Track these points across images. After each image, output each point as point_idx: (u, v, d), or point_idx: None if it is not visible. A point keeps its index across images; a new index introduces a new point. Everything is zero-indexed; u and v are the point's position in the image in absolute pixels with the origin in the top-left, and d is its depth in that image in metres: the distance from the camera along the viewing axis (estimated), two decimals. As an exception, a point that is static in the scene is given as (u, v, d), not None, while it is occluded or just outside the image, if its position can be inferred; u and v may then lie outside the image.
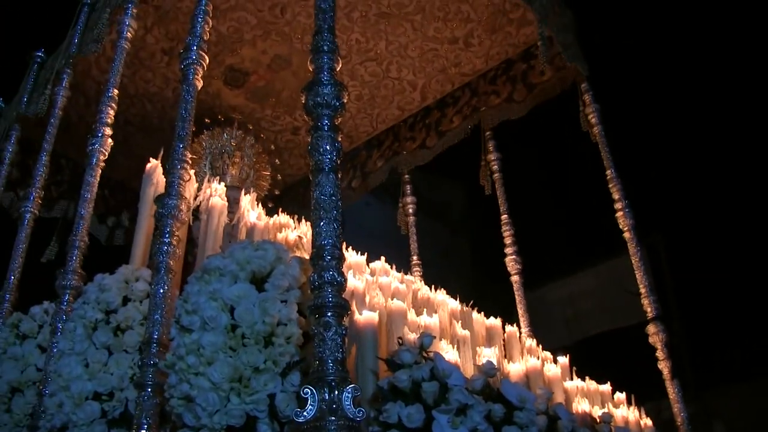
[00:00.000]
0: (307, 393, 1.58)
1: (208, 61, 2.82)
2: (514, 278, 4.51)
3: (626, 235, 3.96)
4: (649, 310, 3.72)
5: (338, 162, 1.98)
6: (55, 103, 4.04)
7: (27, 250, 3.71)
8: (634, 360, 4.16)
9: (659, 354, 3.60)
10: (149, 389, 2.14)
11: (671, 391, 3.53)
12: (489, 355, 2.64)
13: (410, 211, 5.17)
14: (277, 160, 5.42)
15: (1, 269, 3.64)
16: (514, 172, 4.93)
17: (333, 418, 1.54)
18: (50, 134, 3.94)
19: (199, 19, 2.87)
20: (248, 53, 4.69)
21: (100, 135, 3.29)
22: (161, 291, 2.28)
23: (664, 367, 3.57)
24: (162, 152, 3.38)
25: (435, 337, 2.11)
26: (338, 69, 2.21)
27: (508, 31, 4.63)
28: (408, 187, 5.26)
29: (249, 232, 2.63)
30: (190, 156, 2.77)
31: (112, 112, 3.39)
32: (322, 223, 1.82)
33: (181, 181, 2.55)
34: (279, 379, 1.80)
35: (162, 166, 3.35)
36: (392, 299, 2.43)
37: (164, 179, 3.27)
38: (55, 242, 4.76)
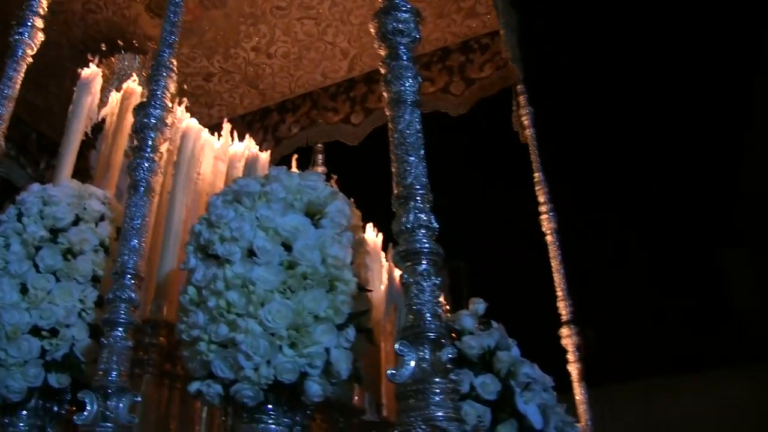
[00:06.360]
0: (404, 351, 1.36)
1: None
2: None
3: (549, 238, 4.05)
4: (564, 312, 3.83)
5: (419, 99, 1.76)
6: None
7: None
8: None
9: (570, 356, 3.71)
10: (121, 328, 1.78)
11: (578, 392, 3.64)
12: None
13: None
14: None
15: None
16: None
17: (438, 380, 1.33)
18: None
19: None
20: (182, -20, 4.18)
21: (29, 24, 2.73)
22: (140, 213, 1.92)
23: (573, 369, 3.69)
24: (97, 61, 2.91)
25: (487, 305, 1.95)
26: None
27: (453, 18, 4.58)
28: (320, 157, 5.02)
29: (250, 165, 2.29)
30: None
31: (44, 2, 2.83)
32: (411, 159, 1.59)
33: (166, 92, 2.17)
34: (336, 331, 1.54)
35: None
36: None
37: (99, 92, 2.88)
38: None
